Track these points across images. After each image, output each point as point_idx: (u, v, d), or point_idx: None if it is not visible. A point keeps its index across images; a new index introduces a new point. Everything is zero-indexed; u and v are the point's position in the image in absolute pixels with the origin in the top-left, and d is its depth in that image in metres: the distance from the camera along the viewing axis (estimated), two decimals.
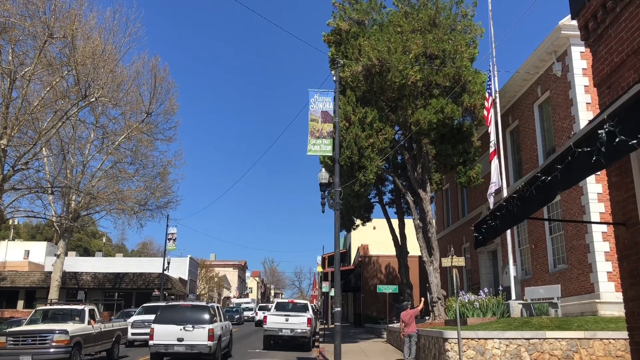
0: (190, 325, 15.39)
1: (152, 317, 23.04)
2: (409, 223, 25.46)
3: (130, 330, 22.38)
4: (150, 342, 15.62)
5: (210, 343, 15.32)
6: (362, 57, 20.93)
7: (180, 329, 15.34)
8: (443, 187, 27.41)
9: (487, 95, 20.58)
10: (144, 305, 26.39)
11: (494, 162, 20.02)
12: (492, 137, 20.14)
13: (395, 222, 27.89)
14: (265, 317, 22.22)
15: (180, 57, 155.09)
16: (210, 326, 15.54)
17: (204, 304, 16.98)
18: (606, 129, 3.54)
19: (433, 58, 20.99)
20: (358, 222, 29.52)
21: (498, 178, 19.84)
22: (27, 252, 58.19)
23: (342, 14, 22.79)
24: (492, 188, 19.96)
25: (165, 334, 15.34)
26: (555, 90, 19.38)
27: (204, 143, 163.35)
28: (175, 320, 15.64)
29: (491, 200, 20.03)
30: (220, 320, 17.33)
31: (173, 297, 47.28)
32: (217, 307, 17.96)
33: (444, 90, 21.15)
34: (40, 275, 44.61)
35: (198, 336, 15.28)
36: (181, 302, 17.44)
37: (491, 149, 20.04)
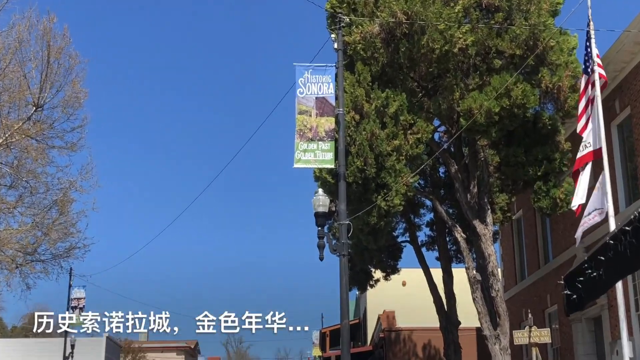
0: None
1: None
2: (460, 274, 22.57)
3: None
4: None
5: None
6: (381, 11, 18.62)
7: None
8: (512, 215, 25.07)
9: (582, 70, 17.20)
10: None
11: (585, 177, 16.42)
12: (585, 136, 16.55)
13: (437, 274, 24.55)
14: None
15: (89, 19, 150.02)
16: None
17: None
18: None
19: (492, 11, 18.80)
20: (377, 274, 26.46)
21: (600, 200, 16.22)
22: None
23: None
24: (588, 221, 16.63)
25: None
26: None
27: (129, 151, 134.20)
28: None
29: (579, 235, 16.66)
30: None
31: None
32: None
33: (510, 62, 18.73)
34: None
35: None
36: None
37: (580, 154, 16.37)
